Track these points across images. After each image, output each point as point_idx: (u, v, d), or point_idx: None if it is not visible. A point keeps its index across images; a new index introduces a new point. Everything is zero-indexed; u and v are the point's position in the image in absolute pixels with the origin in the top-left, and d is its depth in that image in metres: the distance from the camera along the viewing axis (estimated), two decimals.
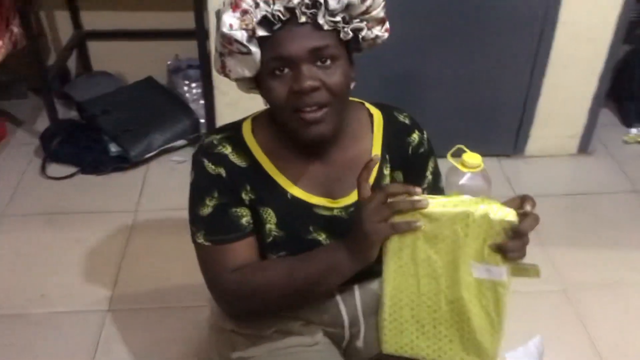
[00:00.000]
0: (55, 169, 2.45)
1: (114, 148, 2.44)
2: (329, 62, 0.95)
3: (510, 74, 2.39)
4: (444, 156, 1.28)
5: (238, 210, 1.07)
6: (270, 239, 1.09)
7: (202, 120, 2.59)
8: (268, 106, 1.03)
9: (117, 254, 2.06)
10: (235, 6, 0.91)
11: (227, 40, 0.93)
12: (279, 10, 0.91)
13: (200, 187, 1.08)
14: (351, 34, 0.96)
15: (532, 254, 2.11)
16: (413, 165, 1.16)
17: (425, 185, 1.17)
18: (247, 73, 0.97)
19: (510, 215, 0.92)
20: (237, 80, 1.03)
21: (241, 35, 0.91)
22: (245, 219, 1.08)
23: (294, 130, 1.00)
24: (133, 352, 1.72)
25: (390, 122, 1.13)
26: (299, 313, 1.18)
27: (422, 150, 1.16)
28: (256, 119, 1.13)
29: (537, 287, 1.96)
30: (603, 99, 2.48)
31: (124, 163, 2.44)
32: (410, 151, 1.15)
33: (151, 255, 2.06)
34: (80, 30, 2.88)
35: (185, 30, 2.73)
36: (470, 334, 1.01)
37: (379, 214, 0.91)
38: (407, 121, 1.16)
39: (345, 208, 1.10)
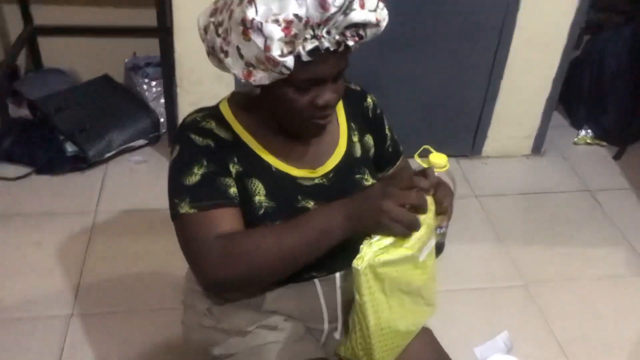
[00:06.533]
0: (7, 169, 2.34)
1: (70, 148, 2.36)
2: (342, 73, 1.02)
3: (470, 76, 2.45)
4: (411, 156, 1.32)
5: (226, 180, 1.06)
6: (262, 210, 1.08)
7: (162, 119, 2.55)
8: (240, 90, 1.05)
9: (78, 257, 1.99)
10: (286, 29, 0.89)
11: (272, 63, 0.91)
12: (331, 43, 0.93)
13: (187, 157, 1.06)
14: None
15: (493, 251, 2.20)
16: (375, 127, 1.25)
17: (388, 142, 1.28)
18: (268, 82, 0.97)
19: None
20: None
21: (290, 62, 0.92)
22: (233, 189, 1.06)
23: (300, 130, 1.07)
24: (101, 357, 1.67)
25: (347, 93, 1.17)
26: (280, 308, 1.17)
27: (378, 111, 1.26)
28: (231, 102, 1.14)
29: (499, 284, 2.05)
30: (556, 102, 2.59)
31: (81, 163, 2.36)
32: (370, 114, 1.24)
33: (114, 258, 2.00)
34: (31, 25, 2.77)
35: (143, 27, 2.69)
36: (426, 299, 1.12)
37: (401, 216, 0.94)
38: (358, 88, 1.25)
39: (325, 175, 1.15)
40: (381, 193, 0.96)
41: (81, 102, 2.53)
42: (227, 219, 1.04)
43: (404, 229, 0.95)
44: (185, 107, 2.33)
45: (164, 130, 2.56)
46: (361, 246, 0.95)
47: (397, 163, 1.31)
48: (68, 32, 2.79)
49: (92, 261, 1.98)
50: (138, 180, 2.38)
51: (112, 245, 2.06)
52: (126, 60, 2.75)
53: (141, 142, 2.50)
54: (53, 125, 2.42)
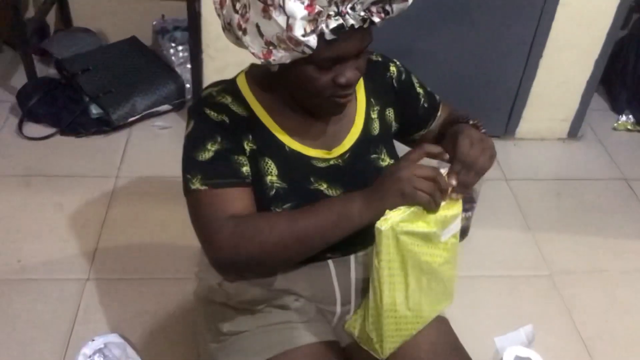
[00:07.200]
0: (32, 129, 2.35)
1: (95, 110, 2.34)
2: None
3: (507, 54, 2.35)
4: None
5: (239, 158, 1.04)
6: (273, 191, 1.06)
7: (188, 85, 2.51)
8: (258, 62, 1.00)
9: (97, 221, 1.98)
10: (309, 6, 0.84)
11: (294, 43, 0.87)
12: (356, 20, 0.88)
13: (201, 133, 1.04)
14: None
15: (519, 238, 2.13)
16: (405, 94, 1.21)
17: (422, 100, 1.22)
18: (289, 61, 0.92)
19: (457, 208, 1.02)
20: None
21: (313, 41, 0.87)
22: (245, 168, 1.04)
23: (319, 109, 1.04)
24: (113, 323, 1.66)
25: (368, 66, 1.12)
26: (292, 287, 1.15)
27: (403, 77, 1.21)
28: (249, 76, 1.11)
29: (523, 272, 1.98)
30: (597, 84, 2.46)
31: (105, 126, 2.35)
32: (395, 85, 1.19)
33: (132, 224, 1.99)
34: None
35: None
36: (443, 286, 1.10)
37: (422, 184, 0.94)
38: (379, 59, 1.20)
39: (341, 156, 1.12)
40: (396, 167, 0.96)
41: (107, 64, 2.50)
42: (239, 199, 1.03)
43: (428, 197, 0.94)
44: (211, 74, 2.28)
45: (189, 97, 2.52)
46: (387, 210, 0.95)
47: (438, 114, 1.25)
48: None
49: (110, 226, 1.97)
50: (161, 146, 2.36)
51: (131, 210, 2.05)
52: (154, 22, 2.71)
53: (166, 107, 2.47)
54: (79, 86, 2.40)
